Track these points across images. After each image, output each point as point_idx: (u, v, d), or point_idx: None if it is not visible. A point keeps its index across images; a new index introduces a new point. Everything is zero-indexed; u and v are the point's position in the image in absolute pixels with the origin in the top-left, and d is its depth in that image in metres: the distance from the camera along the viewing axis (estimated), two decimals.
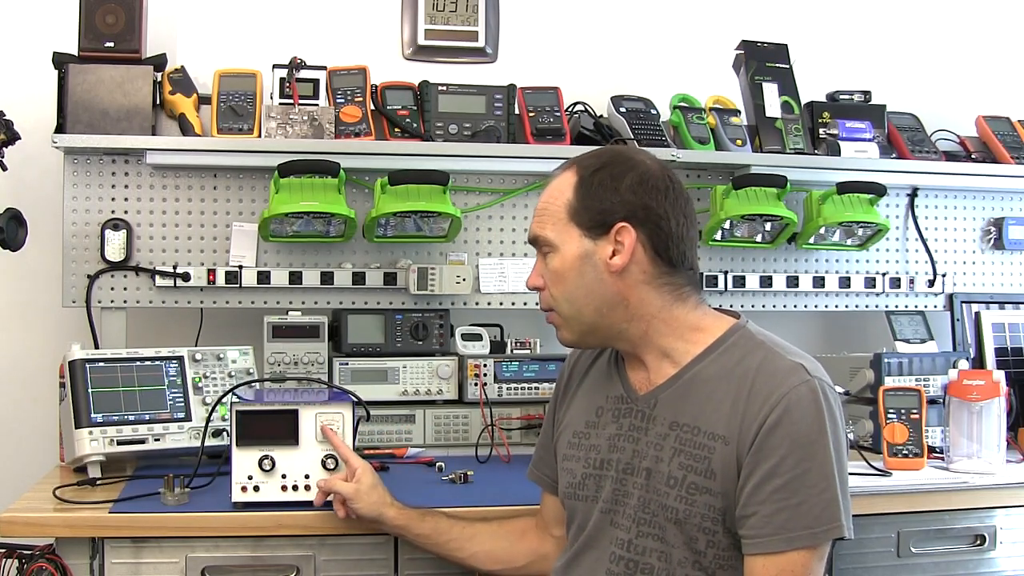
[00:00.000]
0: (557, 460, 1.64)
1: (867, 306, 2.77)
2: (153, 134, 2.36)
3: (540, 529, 1.73)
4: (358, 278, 2.47)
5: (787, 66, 2.69)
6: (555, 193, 1.52)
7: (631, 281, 1.48)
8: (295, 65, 2.42)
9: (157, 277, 2.40)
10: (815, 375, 1.41)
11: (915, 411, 2.19)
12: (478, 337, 2.48)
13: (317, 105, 2.41)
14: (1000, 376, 2.19)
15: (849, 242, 2.68)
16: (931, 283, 2.79)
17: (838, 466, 1.38)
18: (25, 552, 1.72)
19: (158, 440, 2.05)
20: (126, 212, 2.40)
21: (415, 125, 2.46)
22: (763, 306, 2.71)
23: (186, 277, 2.40)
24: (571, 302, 1.50)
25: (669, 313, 1.50)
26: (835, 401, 1.42)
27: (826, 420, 1.38)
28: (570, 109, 2.62)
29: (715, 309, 1.56)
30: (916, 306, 2.78)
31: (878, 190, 2.57)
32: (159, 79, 2.39)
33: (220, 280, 2.42)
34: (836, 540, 1.40)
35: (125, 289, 2.40)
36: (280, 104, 2.39)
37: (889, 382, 2.32)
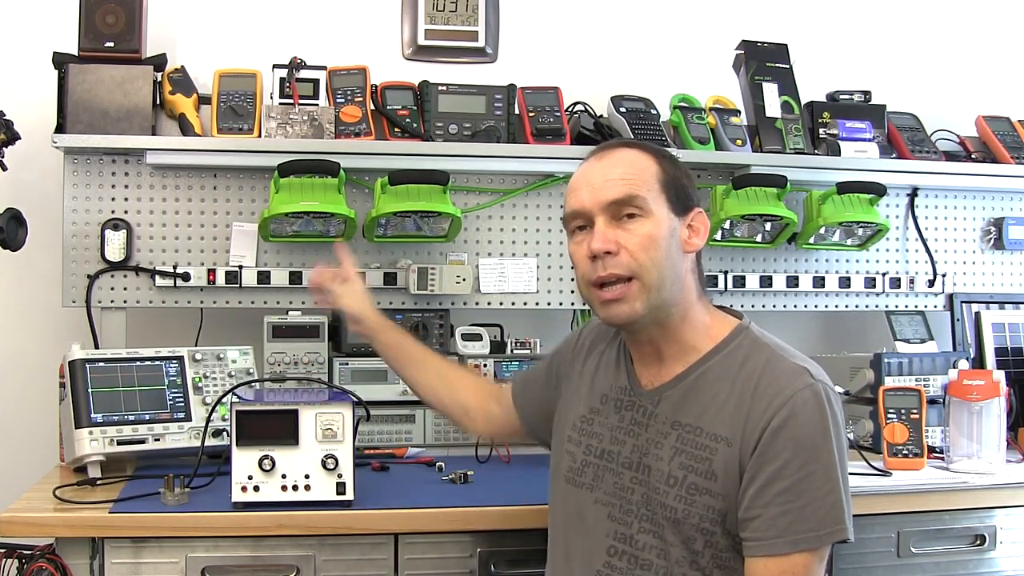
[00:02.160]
0: (559, 440, 1.64)
1: (867, 306, 2.77)
2: (153, 134, 2.36)
3: (487, 394, 1.86)
4: None
5: (787, 66, 2.69)
6: (639, 163, 1.49)
7: (688, 265, 1.51)
8: (295, 65, 2.42)
9: (157, 277, 2.40)
10: (819, 379, 1.42)
11: (915, 411, 2.19)
12: (478, 337, 2.48)
13: (317, 105, 2.41)
14: (1000, 376, 2.19)
15: (849, 242, 2.68)
16: (931, 283, 2.79)
17: (841, 469, 1.39)
18: (25, 552, 1.72)
19: (158, 440, 2.05)
20: (126, 212, 2.40)
21: (415, 125, 2.46)
22: (763, 306, 2.71)
23: (186, 277, 2.40)
24: (659, 270, 1.45)
25: (697, 307, 1.52)
26: (838, 405, 1.43)
27: (830, 423, 1.39)
28: (570, 109, 2.63)
29: (718, 307, 1.57)
30: (916, 306, 2.78)
31: (878, 190, 2.57)
32: (159, 79, 2.39)
33: (220, 280, 2.42)
34: (838, 542, 1.40)
35: (125, 289, 2.40)
36: (280, 104, 2.39)
37: (889, 382, 2.32)
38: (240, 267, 2.43)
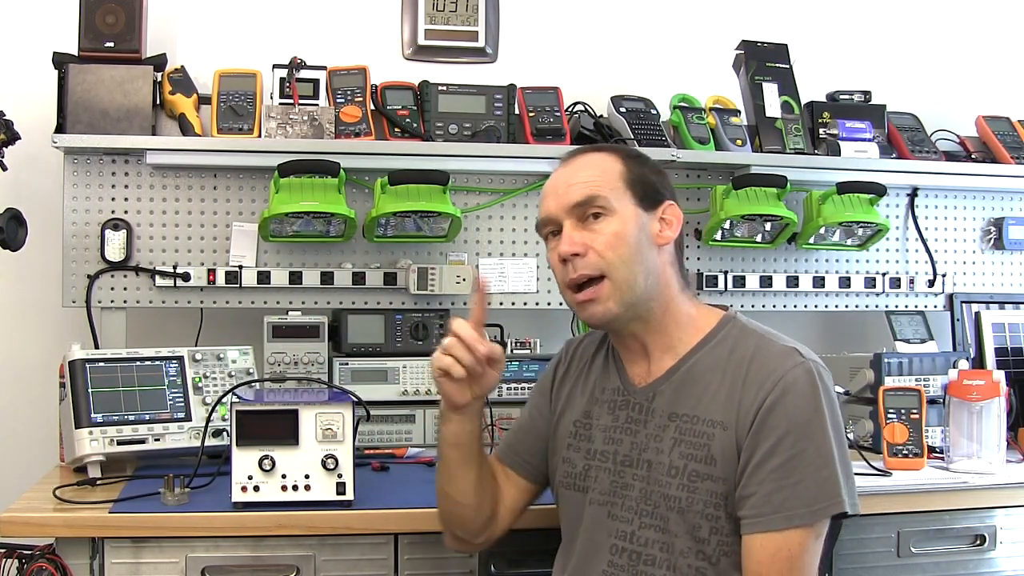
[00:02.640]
0: (558, 449, 1.63)
1: (867, 306, 2.77)
2: (153, 134, 2.36)
3: (499, 485, 1.68)
4: (358, 278, 2.47)
5: (787, 66, 2.69)
6: (603, 164, 1.52)
7: (665, 259, 1.52)
8: (295, 65, 2.42)
9: (157, 277, 2.40)
10: (809, 357, 1.44)
11: (915, 411, 2.19)
12: None
13: (317, 105, 2.41)
14: (1000, 376, 2.19)
15: (849, 242, 2.68)
16: (931, 283, 2.79)
17: (837, 444, 1.40)
18: (25, 552, 1.72)
19: (158, 440, 2.05)
20: (126, 212, 2.40)
21: (415, 125, 2.46)
22: (763, 306, 2.71)
23: (186, 277, 2.40)
24: (629, 266, 1.47)
25: (677, 300, 1.53)
26: (830, 382, 1.45)
27: (822, 400, 1.41)
28: (570, 109, 2.62)
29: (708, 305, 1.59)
30: (916, 306, 2.78)
31: (878, 190, 2.57)
32: (159, 79, 2.39)
33: (220, 280, 2.42)
34: (841, 521, 1.42)
35: (125, 289, 2.40)
36: (280, 104, 2.39)
37: (889, 382, 2.32)
38: (240, 267, 2.43)
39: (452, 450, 1.59)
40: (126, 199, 2.41)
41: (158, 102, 2.38)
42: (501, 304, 2.57)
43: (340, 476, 1.77)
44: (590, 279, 1.48)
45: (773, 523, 1.37)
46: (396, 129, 2.46)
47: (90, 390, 2.02)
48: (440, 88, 2.49)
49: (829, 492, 1.38)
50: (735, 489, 1.42)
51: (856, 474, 1.99)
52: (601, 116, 2.65)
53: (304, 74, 2.42)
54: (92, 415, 2.00)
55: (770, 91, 2.65)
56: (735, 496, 1.42)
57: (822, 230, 2.61)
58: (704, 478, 1.43)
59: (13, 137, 2.16)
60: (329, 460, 1.77)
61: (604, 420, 1.57)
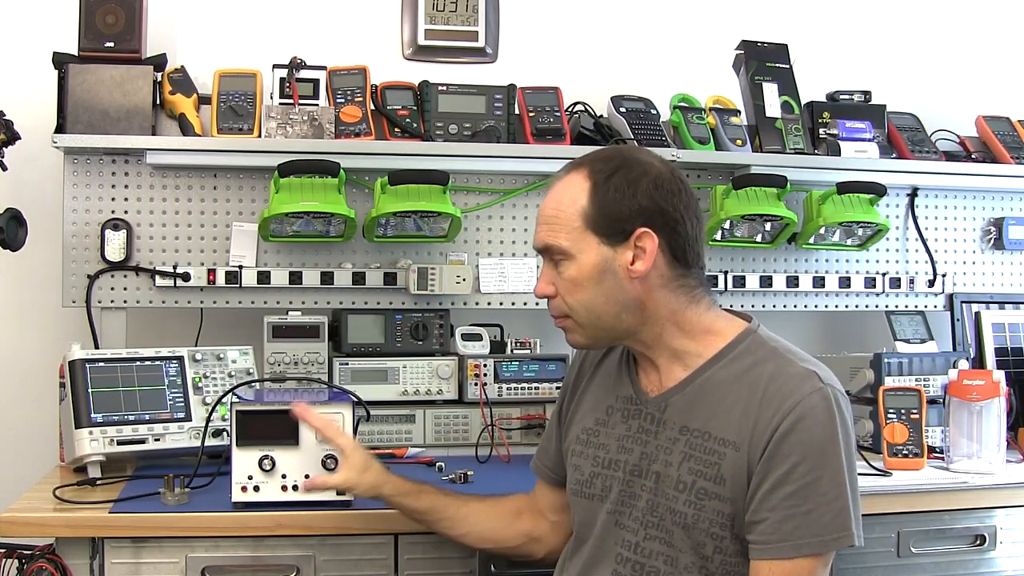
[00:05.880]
0: (566, 455, 1.63)
1: (867, 306, 2.77)
2: (153, 134, 2.36)
3: (534, 512, 1.72)
4: (358, 278, 2.47)
5: (787, 66, 2.69)
6: (566, 200, 1.47)
7: (649, 285, 1.46)
8: (295, 65, 2.42)
9: (157, 277, 2.40)
10: (828, 383, 1.41)
11: (915, 411, 2.19)
12: (478, 337, 2.48)
13: (317, 105, 2.41)
14: (1000, 376, 2.19)
15: (849, 242, 2.68)
16: (931, 283, 2.79)
17: (849, 474, 1.38)
18: (25, 552, 1.72)
19: (158, 440, 2.05)
20: (126, 212, 2.40)
21: (415, 125, 2.46)
22: (763, 306, 2.71)
23: (186, 277, 2.40)
24: (589, 309, 1.47)
25: (683, 316, 1.49)
26: (847, 409, 1.42)
27: (838, 428, 1.38)
28: (570, 109, 2.62)
29: (726, 311, 1.55)
30: (916, 306, 2.78)
31: (878, 190, 2.57)
32: (159, 79, 2.39)
33: (220, 280, 2.42)
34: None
35: (125, 289, 2.40)
36: (280, 104, 2.39)
37: (889, 382, 2.32)
38: (240, 267, 2.43)
39: (422, 518, 1.70)
40: (126, 199, 2.41)
41: (158, 102, 2.38)
42: (501, 304, 2.57)
43: None
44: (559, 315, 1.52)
45: (783, 551, 1.36)
46: (396, 129, 2.46)
47: (90, 390, 2.02)
48: (440, 88, 2.49)
49: (841, 523, 1.37)
50: (743, 512, 1.40)
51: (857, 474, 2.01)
52: (601, 116, 2.65)
53: (304, 74, 2.42)
54: (92, 415, 2.01)
55: (770, 91, 2.65)
56: (744, 519, 1.40)
57: (822, 230, 2.61)
58: (712, 497, 1.42)
59: (13, 137, 2.16)
60: (329, 460, 1.77)
61: (619, 429, 1.54)
